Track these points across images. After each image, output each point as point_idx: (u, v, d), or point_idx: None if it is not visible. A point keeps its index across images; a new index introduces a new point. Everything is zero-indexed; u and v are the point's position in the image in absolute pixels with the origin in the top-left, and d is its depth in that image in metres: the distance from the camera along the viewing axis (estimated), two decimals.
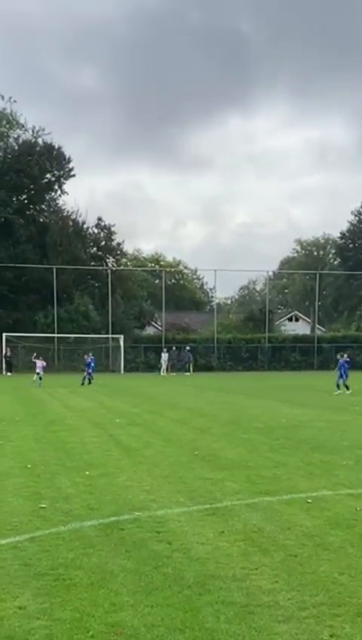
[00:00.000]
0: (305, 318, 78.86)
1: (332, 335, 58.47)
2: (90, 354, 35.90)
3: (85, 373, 32.95)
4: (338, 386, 26.09)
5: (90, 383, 32.14)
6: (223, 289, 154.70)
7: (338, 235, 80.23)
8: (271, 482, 8.69)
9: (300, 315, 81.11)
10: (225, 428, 14.88)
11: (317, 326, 67.38)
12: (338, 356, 27.93)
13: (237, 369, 51.33)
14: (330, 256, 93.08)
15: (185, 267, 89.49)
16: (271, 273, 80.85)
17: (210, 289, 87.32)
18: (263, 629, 4.18)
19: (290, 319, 78.57)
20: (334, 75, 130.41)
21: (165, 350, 48.51)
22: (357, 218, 77.15)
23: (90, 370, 32.99)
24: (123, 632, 4.14)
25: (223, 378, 41.25)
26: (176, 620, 4.31)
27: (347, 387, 25.93)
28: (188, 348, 48.71)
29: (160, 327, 59.52)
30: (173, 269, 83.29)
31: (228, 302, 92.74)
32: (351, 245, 77.61)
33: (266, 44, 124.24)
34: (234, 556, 5.65)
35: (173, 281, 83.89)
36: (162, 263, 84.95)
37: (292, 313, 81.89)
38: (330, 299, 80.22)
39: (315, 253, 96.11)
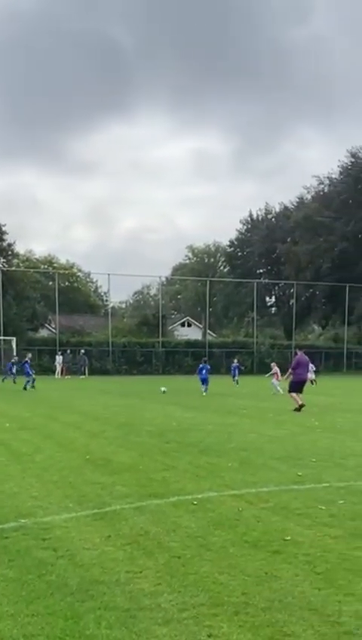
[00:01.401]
0: (197, 324, 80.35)
1: (223, 340, 59.77)
2: (28, 355, 34.28)
3: (29, 377, 30.94)
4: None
5: (33, 386, 30.63)
6: (117, 293, 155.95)
7: (228, 243, 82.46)
8: (160, 485, 8.78)
9: (192, 320, 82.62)
10: (119, 431, 14.87)
11: (208, 331, 68.64)
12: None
13: (132, 373, 51.42)
14: (220, 263, 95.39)
15: (79, 270, 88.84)
16: (163, 279, 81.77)
17: (104, 293, 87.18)
18: (143, 633, 4.22)
19: (183, 324, 79.87)
20: (209, 86, 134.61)
21: (60, 353, 47.82)
22: (245, 227, 79.45)
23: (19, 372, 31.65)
24: None
25: (118, 381, 41.18)
26: (57, 628, 4.27)
27: (205, 389, 27.96)
28: (83, 351, 48.27)
29: (54, 330, 58.58)
30: (66, 271, 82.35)
31: (123, 306, 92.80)
32: (239, 254, 79.87)
33: (143, 53, 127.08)
34: (119, 560, 5.67)
35: (66, 283, 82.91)
36: (55, 265, 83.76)
37: (185, 319, 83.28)
38: (220, 305, 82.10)
39: (206, 261, 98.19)
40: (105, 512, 7.34)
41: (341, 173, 69.09)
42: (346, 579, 5.22)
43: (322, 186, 71.49)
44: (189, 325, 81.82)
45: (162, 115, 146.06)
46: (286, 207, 76.39)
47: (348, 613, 4.53)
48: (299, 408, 19.86)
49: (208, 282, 66.78)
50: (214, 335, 71.19)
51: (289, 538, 6.30)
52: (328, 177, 70.72)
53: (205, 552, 5.87)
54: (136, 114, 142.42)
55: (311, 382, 31.15)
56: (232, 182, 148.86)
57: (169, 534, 6.45)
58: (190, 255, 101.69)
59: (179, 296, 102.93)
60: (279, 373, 28.61)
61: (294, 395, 20.54)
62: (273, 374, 29.34)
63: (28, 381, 30.52)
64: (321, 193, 71.26)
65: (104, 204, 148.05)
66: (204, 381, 28.35)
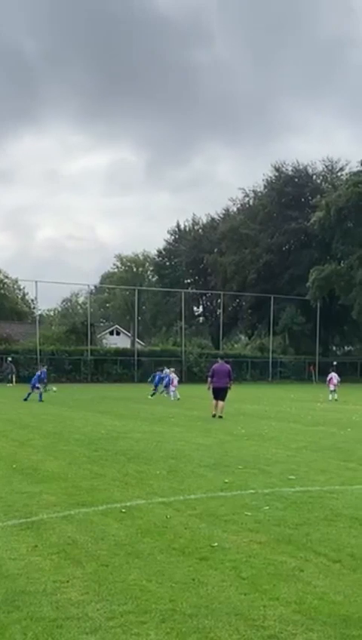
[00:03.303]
0: (126, 332, 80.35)
1: (151, 349, 59.86)
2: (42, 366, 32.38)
3: (38, 388, 28.88)
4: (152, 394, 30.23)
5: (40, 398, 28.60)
6: (45, 301, 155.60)
7: (156, 253, 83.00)
8: (88, 493, 8.73)
9: (121, 329, 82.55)
10: (46, 440, 14.68)
11: (137, 340, 68.73)
12: (168, 370, 33.18)
13: (60, 380, 50.62)
14: (149, 272, 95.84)
15: (6, 277, 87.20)
16: (92, 287, 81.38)
17: (32, 300, 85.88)
18: None
19: (112, 333, 79.65)
20: (120, 101, 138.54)
21: None
22: (172, 237, 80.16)
23: (36, 385, 29.15)
24: None
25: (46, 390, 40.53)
26: None
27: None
28: (10, 359, 47.34)
29: None
30: None
31: (51, 313, 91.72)
32: (167, 263, 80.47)
33: (51, 66, 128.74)
34: (46, 570, 5.61)
35: None
36: None
37: (114, 327, 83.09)
38: (149, 314, 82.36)
39: (134, 270, 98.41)
40: (32, 521, 7.24)
41: (265, 186, 70.61)
42: (271, 583, 5.33)
43: (247, 198, 72.97)
44: (118, 334, 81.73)
45: (74, 127, 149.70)
46: (212, 219, 77.57)
47: (272, 617, 4.64)
48: (214, 415, 21.03)
49: (136, 291, 66.81)
50: (143, 344, 71.25)
51: (216, 544, 6.39)
52: (253, 190, 72.22)
53: (133, 560, 5.88)
54: (47, 126, 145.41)
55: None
56: (148, 193, 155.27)
57: (97, 543, 6.42)
58: (118, 264, 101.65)
59: (107, 305, 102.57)
60: (175, 381, 31.44)
61: (213, 402, 21.62)
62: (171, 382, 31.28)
63: (40, 392, 28.92)
64: (247, 206, 72.65)
65: (22, 213, 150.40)
66: (157, 385, 32.59)
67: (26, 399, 28.54)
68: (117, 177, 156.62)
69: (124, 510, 7.74)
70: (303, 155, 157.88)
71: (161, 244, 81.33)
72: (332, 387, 32.41)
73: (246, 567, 5.74)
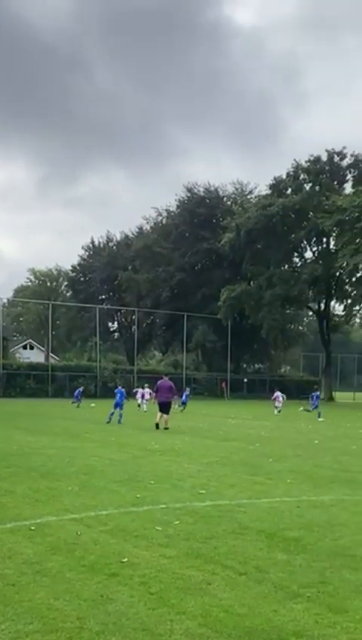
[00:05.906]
0: (40, 347, 79.11)
1: (66, 364, 59.21)
2: (119, 384, 29.80)
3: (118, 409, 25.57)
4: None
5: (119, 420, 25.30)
6: None
7: (70, 268, 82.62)
8: None
9: (34, 343, 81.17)
10: None
11: (51, 355, 67.75)
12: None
13: None
14: (63, 287, 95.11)
15: None
16: (5, 300, 79.89)
17: None
18: None
19: (25, 347, 78.22)
20: (10, 122, 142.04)
21: None
22: (87, 253, 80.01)
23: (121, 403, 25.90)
24: None
25: None
26: None
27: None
28: None
29: None
30: None
31: None
32: (82, 279, 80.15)
33: None
34: None
35: None
36: None
37: (27, 341, 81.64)
38: (64, 329, 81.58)
39: (48, 284, 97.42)
40: None
41: (178, 206, 71.62)
42: (178, 597, 5.40)
43: (160, 217, 73.84)
44: (32, 348, 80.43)
45: None
46: (126, 236, 78.01)
47: (178, 632, 4.70)
48: (157, 425, 22.85)
49: (50, 305, 65.96)
50: (57, 358, 70.25)
51: (126, 560, 6.40)
52: (166, 209, 73.16)
53: (41, 578, 5.81)
54: None
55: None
56: (44, 209, 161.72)
57: (4, 561, 6.30)
58: (32, 278, 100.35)
59: (21, 319, 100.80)
60: (147, 395, 33.65)
61: (158, 414, 23.34)
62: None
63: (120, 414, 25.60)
64: (160, 225, 73.47)
65: None
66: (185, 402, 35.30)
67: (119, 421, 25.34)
68: (13, 193, 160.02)
69: (33, 528, 7.63)
70: (192, 176, 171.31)
71: (69, 260, 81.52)
72: (278, 404, 35.10)
73: (155, 581, 5.78)
